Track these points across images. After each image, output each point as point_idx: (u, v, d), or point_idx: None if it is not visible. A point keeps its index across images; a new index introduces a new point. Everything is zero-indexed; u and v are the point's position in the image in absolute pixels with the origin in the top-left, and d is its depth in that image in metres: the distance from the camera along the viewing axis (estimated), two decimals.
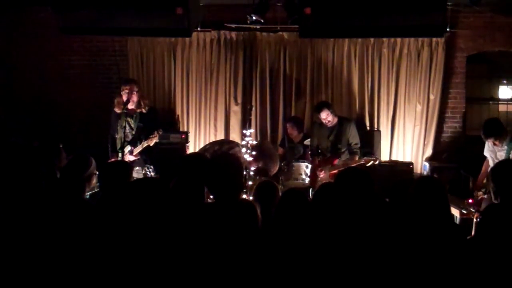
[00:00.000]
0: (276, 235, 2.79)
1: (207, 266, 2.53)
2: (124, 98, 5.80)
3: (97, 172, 3.72)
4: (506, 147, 5.47)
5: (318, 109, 6.45)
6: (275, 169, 6.42)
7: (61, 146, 4.20)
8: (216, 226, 2.61)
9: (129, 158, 5.73)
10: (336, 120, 6.40)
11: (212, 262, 2.52)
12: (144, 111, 5.92)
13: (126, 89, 5.83)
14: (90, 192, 4.37)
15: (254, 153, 5.92)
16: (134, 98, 5.84)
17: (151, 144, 5.71)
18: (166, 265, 2.61)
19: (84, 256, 2.85)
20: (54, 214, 3.20)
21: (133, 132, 5.86)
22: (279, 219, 2.93)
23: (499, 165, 3.74)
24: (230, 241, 2.55)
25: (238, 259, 2.52)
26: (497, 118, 6.15)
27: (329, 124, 6.37)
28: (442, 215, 2.94)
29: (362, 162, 6.09)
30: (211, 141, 7.91)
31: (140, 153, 5.82)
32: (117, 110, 5.90)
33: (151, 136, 5.69)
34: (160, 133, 5.74)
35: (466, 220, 4.89)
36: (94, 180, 3.76)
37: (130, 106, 5.82)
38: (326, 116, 6.31)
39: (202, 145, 7.95)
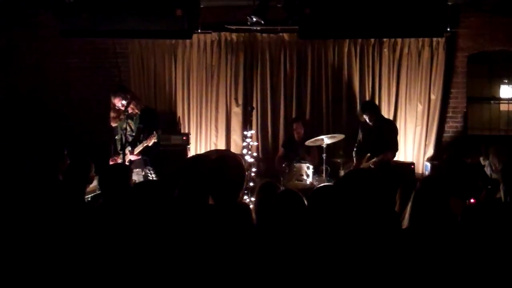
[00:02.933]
0: (271, 236, 2.79)
1: (204, 267, 2.53)
2: (122, 108, 5.80)
3: (96, 175, 3.74)
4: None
5: (361, 110, 6.71)
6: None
7: (65, 152, 4.19)
8: (213, 229, 2.60)
9: (130, 157, 5.74)
10: (377, 121, 6.51)
11: (209, 264, 2.52)
12: (137, 111, 5.92)
13: (123, 102, 5.81)
14: (91, 195, 4.38)
15: None
16: (130, 102, 5.84)
17: (150, 144, 5.72)
18: (165, 266, 2.61)
19: (86, 258, 2.86)
20: (56, 217, 3.20)
21: (133, 134, 5.87)
22: (273, 220, 2.92)
23: (509, 165, 3.66)
24: (226, 243, 2.54)
25: (234, 261, 2.52)
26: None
27: (372, 124, 6.55)
28: (442, 215, 2.92)
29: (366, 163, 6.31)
30: (211, 143, 7.96)
31: (140, 153, 5.82)
32: (113, 124, 5.92)
33: (150, 136, 5.70)
34: (159, 133, 5.76)
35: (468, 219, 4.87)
36: (94, 183, 3.77)
37: (130, 110, 5.83)
38: (366, 118, 6.57)
39: (203, 147, 7.98)
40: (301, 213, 2.90)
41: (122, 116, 5.87)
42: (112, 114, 5.92)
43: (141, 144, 5.76)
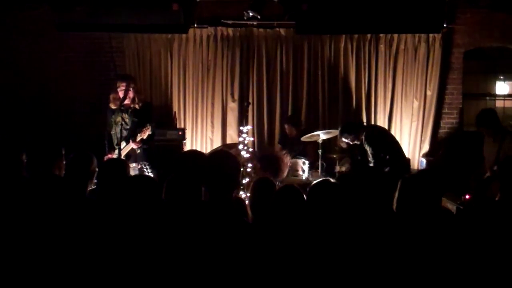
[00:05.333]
0: (270, 231, 2.79)
1: (199, 262, 2.53)
2: (121, 94, 5.80)
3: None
4: (497, 143, 5.46)
5: None
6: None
7: (63, 152, 4.18)
8: (208, 223, 2.60)
9: (132, 145, 5.74)
10: None
11: (204, 258, 2.52)
12: (137, 107, 5.92)
13: (123, 85, 5.82)
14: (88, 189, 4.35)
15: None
16: (131, 94, 5.84)
17: (145, 137, 5.73)
18: (159, 262, 2.61)
19: (85, 252, 2.86)
20: (59, 212, 3.19)
21: (128, 127, 5.86)
22: (273, 215, 2.93)
23: (507, 161, 3.66)
24: (222, 238, 2.54)
25: (230, 256, 2.52)
26: (492, 109, 6.15)
27: None
28: (433, 210, 2.93)
29: None
30: (207, 138, 7.96)
31: (140, 142, 5.82)
32: (113, 106, 5.90)
33: (144, 129, 5.70)
34: (153, 125, 5.78)
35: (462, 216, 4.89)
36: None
37: (126, 101, 5.82)
38: None
39: (199, 142, 7.97)
40: (302, 208, 2.91)
41: (116, 107, 5.85)
42: (114, 96, 5.90)
43: (138, 135, 5.77)
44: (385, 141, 6.10)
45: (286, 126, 7.40)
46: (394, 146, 6.16)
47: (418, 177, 3.13)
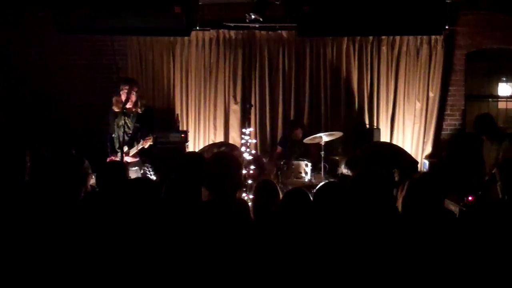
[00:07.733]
0: (278, 234, 2.79)
1: (201, 263, 2.53)
2: (123, 97, 5.82)
3: (91, 172, 3.70)
4: (496, 146, 5.45)
5: None
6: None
7: (74, 151, 4.18)
8: (211, 224, 2.60)
9: (125, 159, 5.75)
10: None
11: (206, 259, 2.52)
12: (140, 111, 5.93)
13: (125, 88, 5.84)
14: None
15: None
16: (133, 98, 5.86)
17: (146, 147, 5.76)
18: (161, 263, 2.61)
19: (81, 256, 2.85)
20: (53, 215, 3.18)
21: (130, 132, 5.88)
22: (281, 218, 2.93)
23: (507, 162, 3.66)
24: (225, 239, 2.54)
25: (233, 257, 2.52)
26: (488, 114, 6.14)
27: None
28: (437, 212, 2.93)
29: None
30: (210, 140, 7.94)
31: (136, 155, 5.86)
32: (116, 109, 5.92)
33: (146, 138, 5.72)
34: (155, 136, 5.79)
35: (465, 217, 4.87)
36: (91, 181, 3.73)
37: (128, 105, 5.84)
38: None
39: (201, 144, 7.97)
40: (309, 211, 2.91)
41: (119, 110, 5.87)
42: (117, 98, 5.92)
43: (135, 147, 5.80)
44: (388, 158, 6.00)
45: (295, 131, 7.27)
46: (397, 158, 6.05)
47: (427, 179, 3.12)
